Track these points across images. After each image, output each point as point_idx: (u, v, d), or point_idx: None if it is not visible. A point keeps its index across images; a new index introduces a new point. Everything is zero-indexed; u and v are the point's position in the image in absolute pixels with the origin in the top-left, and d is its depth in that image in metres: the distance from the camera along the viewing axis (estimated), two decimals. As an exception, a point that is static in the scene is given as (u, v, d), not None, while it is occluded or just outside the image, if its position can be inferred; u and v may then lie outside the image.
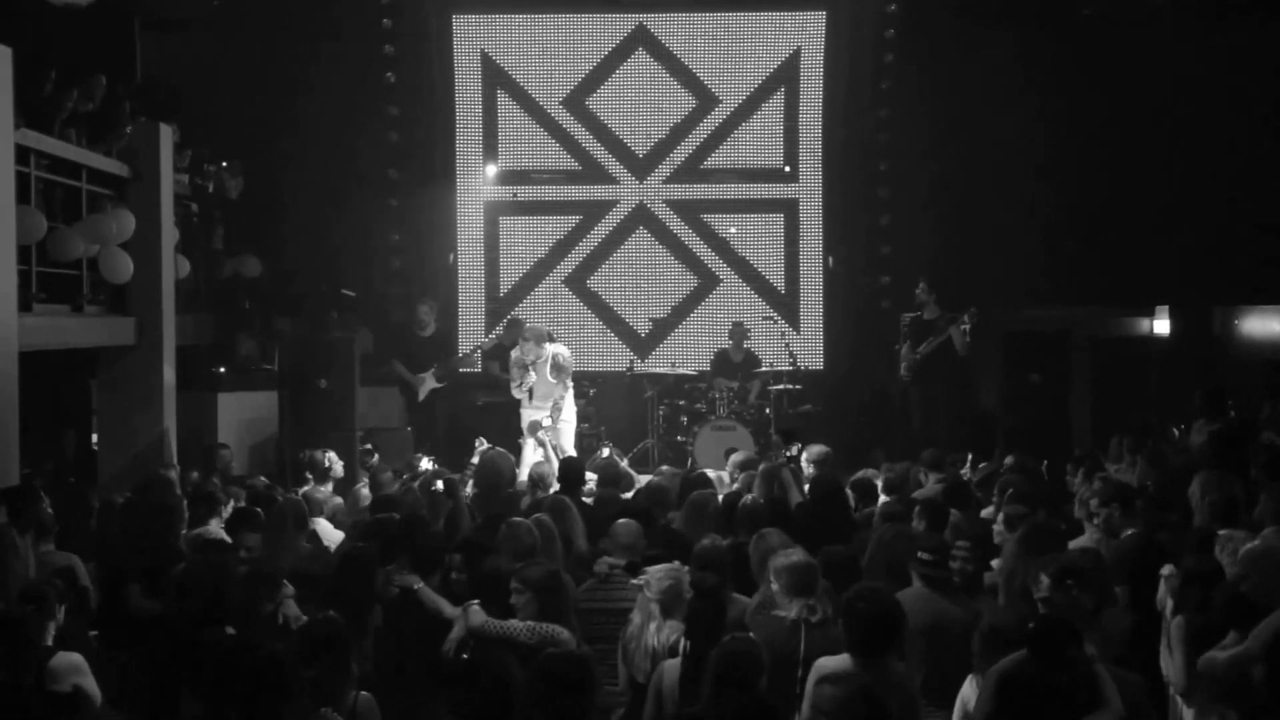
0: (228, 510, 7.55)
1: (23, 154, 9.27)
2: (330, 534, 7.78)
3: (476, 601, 5.71)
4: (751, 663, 4.65)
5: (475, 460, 9.64)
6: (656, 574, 5.62)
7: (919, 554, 5.76)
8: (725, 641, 4.85)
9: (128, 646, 6.06)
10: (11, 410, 8.68)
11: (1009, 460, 9.27)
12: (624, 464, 9.95)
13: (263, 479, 9.40)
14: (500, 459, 8.85)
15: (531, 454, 10.24)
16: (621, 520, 6.64)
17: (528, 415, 10.82)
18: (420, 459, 10.27)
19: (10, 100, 8.81)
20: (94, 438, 11.56)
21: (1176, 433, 10.71)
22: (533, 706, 4.34)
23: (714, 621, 5.33)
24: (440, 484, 8.51)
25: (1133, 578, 6.16)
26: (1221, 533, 6.34)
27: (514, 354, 11.02)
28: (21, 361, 8.85)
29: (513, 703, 4.40)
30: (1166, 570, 5.84)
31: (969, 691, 4.98)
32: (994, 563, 6.57)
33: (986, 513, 7.78)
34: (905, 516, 7.09)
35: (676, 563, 5.82)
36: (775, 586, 5.45)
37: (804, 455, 9.12)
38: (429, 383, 12.43)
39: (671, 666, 5.21)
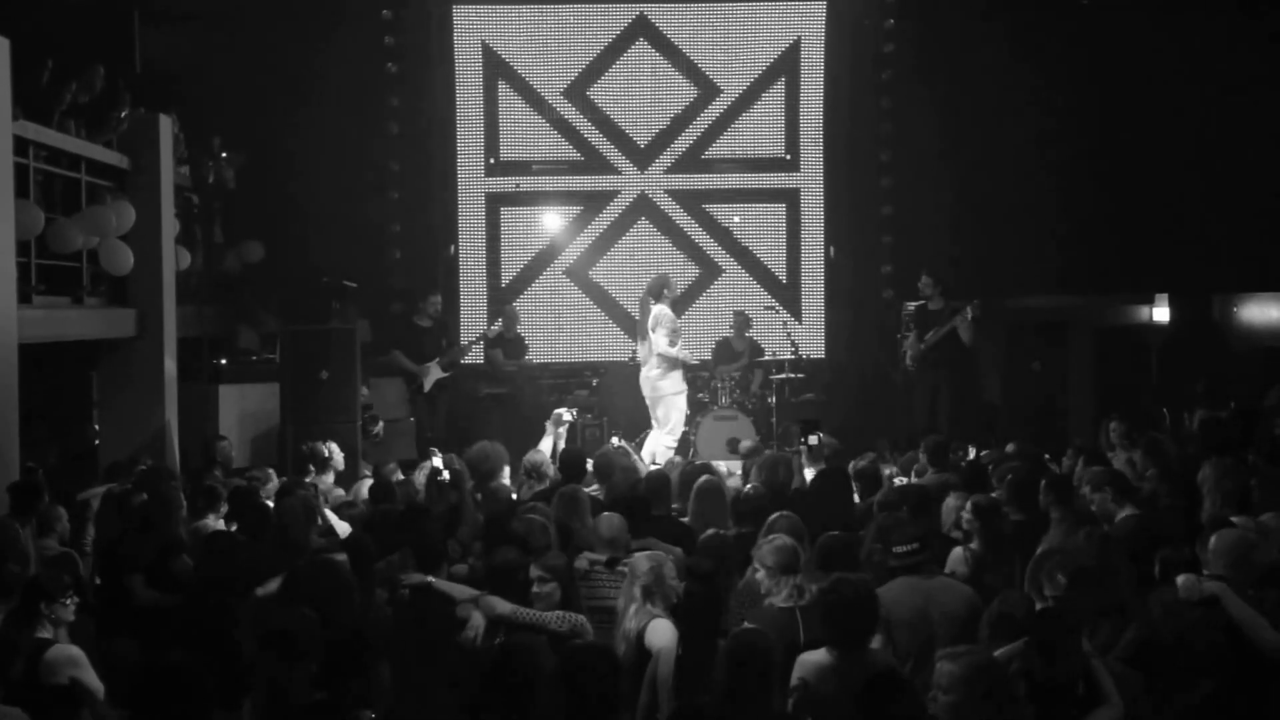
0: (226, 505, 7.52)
1: (21, 146, 9.23)
2: (339, 526, 7.74)
3: (487, 592, 5.63)
4: (765, 650, 4.59)
5: (436, 462, 9.44)
6: (641, 560, 5.54)
7: (894, 549, 5.64)
8: (736, 632, 4.79)
9: (135, 637, 6.05)
10: (11, 403, 8.66)
11: (1010, 448, 9.26)
12: (634, 455, 9.83)
13: (270, 470, 9.35)
14: (491, 448, 8.66)
15: (549, 444, 9.74)
16: (606, 514, 6.45)
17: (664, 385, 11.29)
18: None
19: (8, 92, 8.79)
20: (95, 429, 11.55)
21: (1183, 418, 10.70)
22: (559, 696, 4.26)
23: (709, 608, 5.26)
24: (446, 475, 8.47)
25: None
26: (1233, 520, 6.32)
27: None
28: (21, 353, 8.83)
29: (538, 691, 4.32)
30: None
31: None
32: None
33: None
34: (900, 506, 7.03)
35: (660, 551, 5.79)
36: (761, 573, 5.46)
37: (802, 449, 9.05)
38: (434, 373, 12.41)
39: (667, 655, 5.12)
